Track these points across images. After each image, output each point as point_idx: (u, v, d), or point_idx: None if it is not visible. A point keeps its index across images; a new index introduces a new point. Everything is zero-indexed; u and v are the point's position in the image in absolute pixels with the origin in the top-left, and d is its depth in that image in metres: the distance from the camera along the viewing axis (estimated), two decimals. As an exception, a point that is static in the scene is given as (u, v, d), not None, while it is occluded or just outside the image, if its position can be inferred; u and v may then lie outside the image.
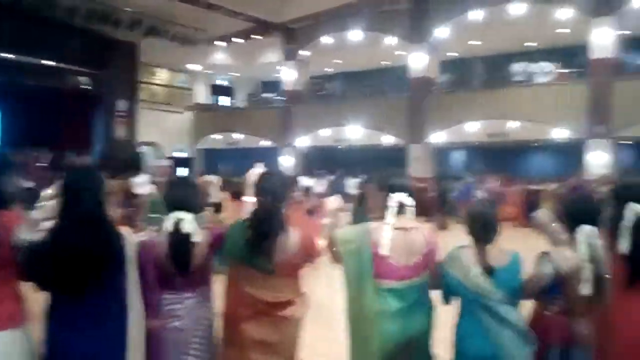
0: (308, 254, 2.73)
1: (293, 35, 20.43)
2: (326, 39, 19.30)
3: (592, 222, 2.47)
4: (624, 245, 2.47)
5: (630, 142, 16.10)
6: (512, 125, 16.15)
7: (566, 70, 16.76)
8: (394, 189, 2.60)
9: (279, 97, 22.64)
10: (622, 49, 15.18)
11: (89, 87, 19.50)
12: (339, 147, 20.39)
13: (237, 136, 22.57)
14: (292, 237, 2.66)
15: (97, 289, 2.33)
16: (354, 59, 20.48)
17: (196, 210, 2.76)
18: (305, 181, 12.52)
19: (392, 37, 18.21)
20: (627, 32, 15.15)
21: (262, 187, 2.69)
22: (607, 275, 2.42)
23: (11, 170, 2.45)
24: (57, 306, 2.33)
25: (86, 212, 2.31)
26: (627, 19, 14.54)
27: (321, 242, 2.83)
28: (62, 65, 17.86)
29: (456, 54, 19.37)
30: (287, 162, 20.78)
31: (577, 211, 2.54)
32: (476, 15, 15.93)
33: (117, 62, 18.99)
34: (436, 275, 2.62)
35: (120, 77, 19.30)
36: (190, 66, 22.78)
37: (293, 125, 20.82)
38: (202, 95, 24.67)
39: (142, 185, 11.26)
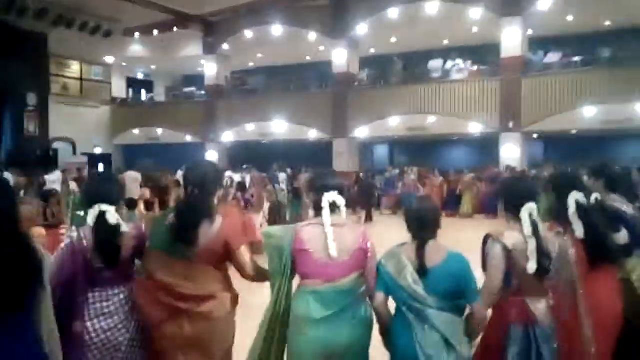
0: (230, 243, 2.61)
1: (213, 28, 20.10)
2: (247, 33, 19.14)
3: (532, 200, 2.57)
4: (579, 231, 2.70)
5: (538, 136, 17.20)
6: (431, 119, 16.77)
7: (480, 68, 17.55)
8: (325, 188, 2.57)
9: (201, 92, 22.17)
10: (529, 48, 16.16)
11: (-6, 80, 18.20)
12: (264, 142, 20.31)
13: (159, 131, 21.89)
14: (216, 225, 2.59)
15: (15, 311, 2.06)
16: (277, 53, 20.45)
17: (117, 204, 2.69)
18: (231, 176, 12.44)
19: (313, 33, 18.36)
20: (533, 32, 16.14)
21: (189, 177, 2.66)
22: (550, 253, 2.52)
23: None
24: None
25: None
26: (533, 19, 15.51)
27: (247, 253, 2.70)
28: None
29: (376, 51, 19.80)
30: (212, 157, 20.44)
31: (519, 190, 2.64)
32: (394, 13, 16.39)
33: (25, 53, 17.81)
34: (374, 276, 2.56)
35: (29, 69, 18.11)
36: (105, 59, 21.81)
37: (217, 121, 20.50)
38: (119, 89, 23.66)
39: (55, 182, 10.70)
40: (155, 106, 23.40)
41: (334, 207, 2.55)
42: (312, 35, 18.45)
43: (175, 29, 19.54)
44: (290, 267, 2.54)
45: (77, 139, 20.76)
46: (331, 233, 2.46)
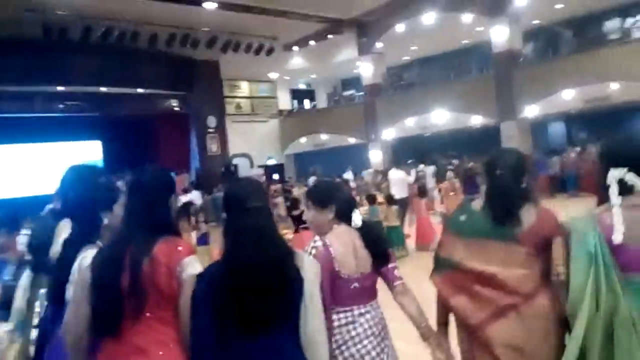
0: (549, 229, 2.33)
1: (366, 29, 20.23)
2: (399, 27, 18.88)
3: None
4: None
5: None
6: (613, 87, 14.93)
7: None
8: (613, 163, 2.15)
9: (359, 93, 22.52)
10: None
11: (180, 109, 20.52)
12: (426, 134, 19.92)
13: (323, 137, 22.73)
14: (537, 209, 2.38)
15: (277, 322, 1.94)
16: (431, 43, 19.94)
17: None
18: (394, 174, 12.31)
19: (468, 14, 17.49)
20: None
21: (498, 162, 2.46)
22: None
23: (172, 190, 2.12)
24: (231, 348, 1.93)
25: (258, 226, 1.98)
26: None
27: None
28: (152, 91, 18.91)
29: (540, 21, 18.25)
30: (375, 156, 20.62)
31: None
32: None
33: (202, 81, 19.85)
34: None
35: (207, 95, 20.17)
36: (270, 75, 23.26)
37: (377, 119, 20.62)
38: (284, 101, 25.11)
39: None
40: (318, 113, 24.35)
41: (624, 185, 2.12)
42: (468, 17, 17.58)
43: (329, 36, 20.08)
44: (605, 259, 2.09)
45: (253, 153, 22.45)
46: (620, 215, 2.06)
